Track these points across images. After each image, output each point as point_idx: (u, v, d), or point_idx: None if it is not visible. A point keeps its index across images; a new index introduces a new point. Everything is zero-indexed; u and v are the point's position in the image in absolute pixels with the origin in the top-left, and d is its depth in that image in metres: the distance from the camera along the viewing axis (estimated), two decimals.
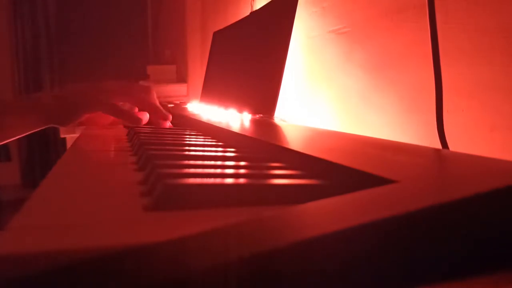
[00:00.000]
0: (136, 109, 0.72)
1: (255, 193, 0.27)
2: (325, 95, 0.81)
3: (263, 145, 0.43)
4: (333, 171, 0.29)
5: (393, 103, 0.63)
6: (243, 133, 0.50)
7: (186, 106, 1.24)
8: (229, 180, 0.28)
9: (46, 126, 0.70)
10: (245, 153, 0.43)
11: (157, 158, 0.36)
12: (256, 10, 1.02)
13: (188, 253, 0.16)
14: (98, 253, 0.16)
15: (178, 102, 1.46)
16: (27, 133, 0.71)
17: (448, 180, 0.24)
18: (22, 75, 3.24)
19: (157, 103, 0.71)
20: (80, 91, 0.69)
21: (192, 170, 0.32)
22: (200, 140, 0.55)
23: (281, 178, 0.31)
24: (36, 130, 0.70)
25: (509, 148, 0.46)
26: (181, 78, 2.26)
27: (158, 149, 0.43)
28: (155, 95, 0.72)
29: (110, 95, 0.67)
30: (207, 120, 0.70)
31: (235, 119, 0.73)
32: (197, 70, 1.90)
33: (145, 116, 0.69)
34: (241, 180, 0.28)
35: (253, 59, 0.89)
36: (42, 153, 3.25)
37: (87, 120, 0.73)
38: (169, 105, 1.24)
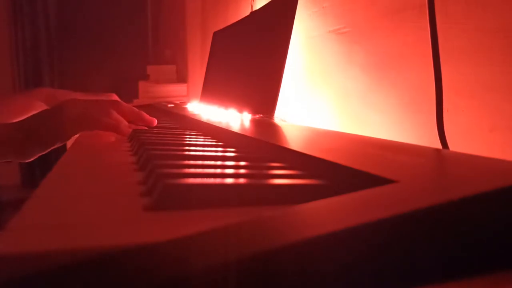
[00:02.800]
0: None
1: (255, 193, 0.27)
2: (325, 95, 0.81)
3: (263, 145, 0.43)
4: (333, 171, 0.29)
5: (393, 103, 0.63)
6: (243, 133, 0.50)
7: (186, 106, 1.24)
8: (229, 180, 0.28)
9: (7, 160, 0.62)
10: (245, 153, 0.43)
11: (157, 158, 0.36)
12: (256, 10, 1.02)
13: (188, 253, 0.16)
14: (98, 253, 0.16)
15: (178, 102, 1.46)
16: None
17: (448, 180, 0.24)
18: (22, 75, 3.24)
19: (136, 111, 0.65)
20: (53, 115, 0.60)
21: (192, 170, 0.32)
22: (200, 140, 0.55)
23: (281, 178, 0.31)
24: None
25: (509, 148, 0.46)
26: (181, 78, 2.26)
27: (158, 149, 0.43)
28: (123, 105, 0.64)
29: (93, 112, 0.60)
30: (207, 120, 0.70)
31: (235, 119, 0.73)
32: (197, 70, 1.90)
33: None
34: (241, 180, 0.28)
35: (253, 59, 0.89)
36: None
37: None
38: (169, 105, 1.24)
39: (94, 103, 0.62)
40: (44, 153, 0.62)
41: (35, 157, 0.62)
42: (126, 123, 0.62)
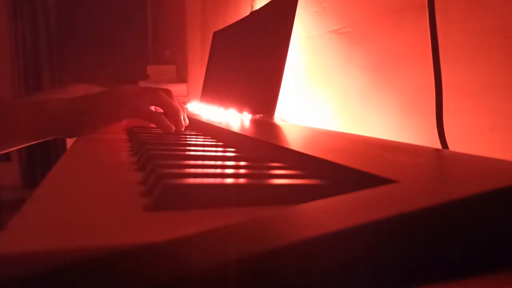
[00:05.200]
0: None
1: (255, 193, 0.27)
2: (325, 95, 0.81)
3: (263, 145, 0.43)
4: (333, 171, 0.29)
5: (393, 103, 0.63)
6: (243, 133, 0.50)
7: (186, 106, 1.24)
8: (229, 180, 0.28)
9: (49, 138, 0.62)
10: (245, 153, 0.43)
11: (157, 158, 0.36)
12: (256, 10, 1.02)
13: (188, 253, 0.16)
14: (98, 253, 0.16)
15: None
16: (23, 145, 0.61)
17: (448, 180, 0.24)
18: (22, 75, 3.24)
19: (180, 112, 0.64)
20: (103, 98, 0.59)
21: (192, 170, 0.32)
22: (200, 140, 0.55)
23: (281, 178, 0.31)
24: (35, 142, 0.61)
25: (509, 148, 0.46)
26: (181, 78, 2.26)
27: (158, 149, 0.43)
28: (171, 96, 0.64)
29: (142, 99, 0.60)
30: (207, 120, 0.70)
31: (235, 119, 0.73)
32: (197, 70, 1.90)
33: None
34: (241, 180, 0.28)
35: (253, 59, 0.89)
36: (42, 153, 3.25)
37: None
38: None
39: (143, 91, 0.61)
40: (98, 131, 0.61)
41: (85, 135, 0.61)
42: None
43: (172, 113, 0.62)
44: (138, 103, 0.60)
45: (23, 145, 0.62)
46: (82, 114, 0.58)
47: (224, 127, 0.58)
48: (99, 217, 0.24)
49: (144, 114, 0.60)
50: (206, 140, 0.56)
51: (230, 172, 0.34)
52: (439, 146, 0.47)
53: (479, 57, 0.49)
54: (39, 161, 3.26)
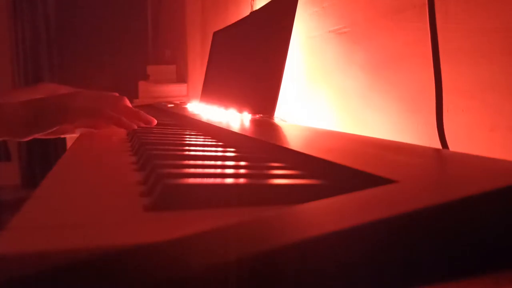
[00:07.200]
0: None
1: (255, 193, 0.27)
2: (325, 95, 0.81)
3: (263, 145, 0.43)
4: (333, 171, 0.29)
5: (393, 103, 0.63)
6: (243, 133, 0.50)
7: (186, 106, 1.24)
8: (229, 180, 0.28)
9: (2, 139, 0.66)
10: (245, 153, 0.43)
11: (157, 158, 0.36)
12: (256, 10, 1.02)
13: (188, 253, 0.16)
14: (98, 253, 0.16)
15: (178, 102, 1.46)
16: None
17: (448, 180, 0.24)
18: (22, 75, 3.24)
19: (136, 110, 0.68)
20: (58, 99, 0.63)
21: (192, 170, 0.32)
22: (200, 140, 0.55)
23: (281, 178, 0.31)
24: None
25: (509, 148, 0.45)
26: (181, 78, 2.26)
27: (158, 149, 0.43)
28: (128, 102, 0.69)
29: (97, 103, 0.64)
30: (207, 120, 0.70)
31: (235, 119, 0.73)
32: (197, 70, 1.90)
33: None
34: (241, 180, 0.28)
35: (253, 59, 0.89)
36: (42, 153, 3.25)
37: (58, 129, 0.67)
38: (169, 105, 1.24)
39: (100, 95, 0.66)
40: (41, 135, 0.65)
41: (31, 138, 0.65)
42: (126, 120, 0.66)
43: (131, 116, 0.67)
44: (97, 107, 0.64)
45: None
46: (31, 117, 0.62)
47: (224, 127, 0.58)
48: (99, 217, 0.24)
49: (104, 117, 0.64)
50: (206, 140, 0.56)
51: (230, 172, 0.34)
52: (439, 146, 0.47)
53: (479, 57, 0.49)
54: (39, 161, 3.25)
